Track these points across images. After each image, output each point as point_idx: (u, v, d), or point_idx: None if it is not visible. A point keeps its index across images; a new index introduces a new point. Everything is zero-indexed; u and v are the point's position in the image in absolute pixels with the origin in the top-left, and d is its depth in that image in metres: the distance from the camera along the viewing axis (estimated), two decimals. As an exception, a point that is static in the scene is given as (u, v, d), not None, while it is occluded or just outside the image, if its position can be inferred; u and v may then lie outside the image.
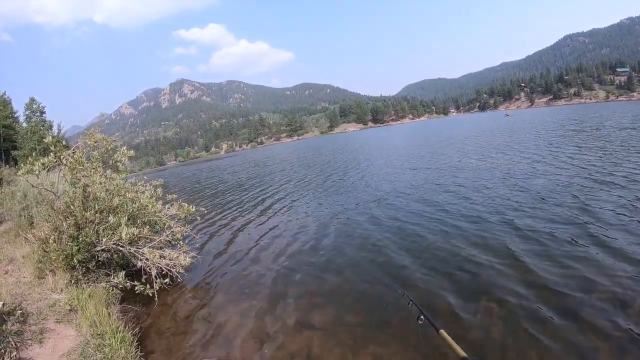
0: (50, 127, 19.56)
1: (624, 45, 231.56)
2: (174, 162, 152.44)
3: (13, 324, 3.68)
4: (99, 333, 4.01)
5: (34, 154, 7.17)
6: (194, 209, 7.99)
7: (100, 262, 6.17)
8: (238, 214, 13.09)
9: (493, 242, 6.79)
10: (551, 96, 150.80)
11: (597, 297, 4.54)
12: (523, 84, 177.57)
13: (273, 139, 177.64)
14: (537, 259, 5.82)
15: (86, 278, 5.58)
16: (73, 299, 4.63)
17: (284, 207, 13.10)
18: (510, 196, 9.71)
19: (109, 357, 3.70)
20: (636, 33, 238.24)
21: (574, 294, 4.69)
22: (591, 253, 5.74)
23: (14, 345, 3.34)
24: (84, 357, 3.64)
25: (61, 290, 4.83)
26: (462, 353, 2.24)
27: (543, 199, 9.01)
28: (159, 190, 8.11)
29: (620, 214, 7.27)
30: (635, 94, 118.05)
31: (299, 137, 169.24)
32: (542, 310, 4.41)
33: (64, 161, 5.77)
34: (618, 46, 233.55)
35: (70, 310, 4.46)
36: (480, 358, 1.95)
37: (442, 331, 2.68)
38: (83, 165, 6.02)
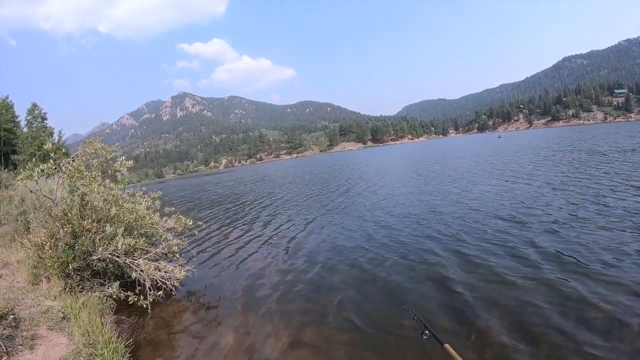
0: (51, 133, 19.63)
1: (622, 66, 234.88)
2: (173, 175, 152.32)
3: (5, 329, 3.64)
4: (91, 342, 3.98)
5: (33, 159, 7.14)
6: (191, 223, 7.99)
7: (95, 271, 6.14)
8: (236, 228, 13.05)
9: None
10: (549, 118, 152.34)
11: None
12: (522, 106, 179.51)
13: (272, 155, 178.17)
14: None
15: (80, 286, 5.54)
16: (66, 306, 4.59)
17: (281, 223, 13.08)
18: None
19: (100, 366, 3.67)
20: (634, 55, 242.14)
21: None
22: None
23: (4, 350, 3.31)
24: (74, 365, 3.60)
25: (55, 298, 4.80)
26: None
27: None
28: (157, 202, 8.12)
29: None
30: (632, 115, 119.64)
31: (298, 155, 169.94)
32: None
33: (63, 168, 5.81)
34: (616, 68, 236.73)
35: (63, 317, 4.42)
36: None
37: (446, 345, 2.69)
38: (82, 174, 6.06)
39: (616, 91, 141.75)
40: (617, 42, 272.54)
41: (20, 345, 3.61)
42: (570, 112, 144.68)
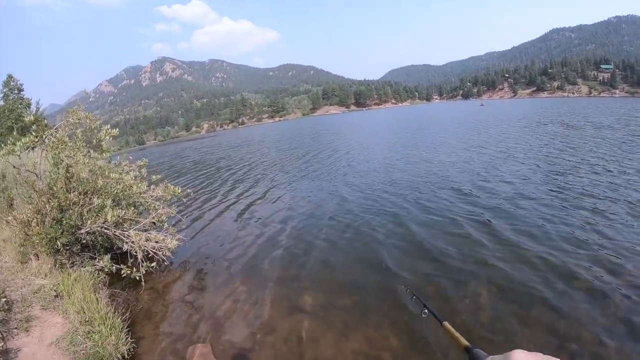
0: (29, 105, 18.61)
1: (610, 42, 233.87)
2: (154, 141, 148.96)
3: (-2, 313, 3.51)
4: (87, 320, 3.89)
5: (14, 132, 6.70)
6: (180, 191, 7.81)
7: (84, 245, 5.97)
8: (223, 195, 12.93)
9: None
10: (534, 88, 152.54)
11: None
12: (507, 75, 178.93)
13: (255, 119, 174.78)
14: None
15: (70, 262, 5.38)
16: (58, 284, 4.46)
17: (269, 187, 13.06)
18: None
19: (99, 344, 3.60)
20: (622, 32, 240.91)
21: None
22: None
23: (0, 336, 3.18)
24: (73, 345, 3.52)
25: (45, 275, 4.64)
26: (465, 342, 2.19)
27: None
28: (144, 170, 7.86)
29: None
30: (617, 91, 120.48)
31: (281, 119, 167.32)
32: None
33: (46, 140, 5.48)
34: (604, 43, 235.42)
35: (55, 296, 4.30)
36: (483, 347, 1.89)
37: (445, 323, 2.64)
38: (66, 145, 5.74)
39: (602, 66, 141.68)
40: (606, 18, 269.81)
41: (15, 328, 3.49)
42: (556, 84, 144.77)
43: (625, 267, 5.05)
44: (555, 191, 8.89)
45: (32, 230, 4.99)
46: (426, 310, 2.91)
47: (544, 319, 4.13)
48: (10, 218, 5.21)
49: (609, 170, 10.42)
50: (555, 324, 4.02)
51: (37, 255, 5.02)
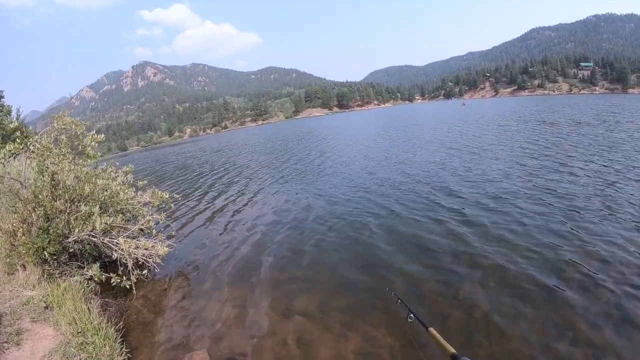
0: (9, 112, 18.02)
1: (589, 41, 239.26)
2: (137, 147, 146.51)
3: (-14, 327, 3.37)
4: (79, 331, 3.78)
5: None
6: (167, 196, 7.70)
7: (71, 254, 5.82)
8: (211, 200, 12.79)
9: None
10: (515, 87, 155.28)
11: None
12: (488, 74, 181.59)
13: (238, 123, 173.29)
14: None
15: (58, 272, 5.24)
16: (48, 295, 4.33)
17: (256, 192, 13.00)
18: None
19: (94, 355, 3.50)
20: (601, 30, 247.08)
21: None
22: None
23: (-10, 350, 3.06)
24: (66, 357, 3.42)
25: (34, 287, 4.49)
26: (452, 350, 2.21)
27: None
28: (130, 176, 7.72)
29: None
30: (597, 88, 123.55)
31: (264, 122, 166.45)
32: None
33: (31, 147, 5.32)
34: (583, 42, 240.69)
35: (45, 307, 4.17)
36: (470, 355, 1.91)
37: (431, 329, 2.67)
38: (51, 152, 5.59)
39: (582, 64, 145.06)
40: (585, 17, 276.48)
41: (6, 342, 3.37)
42: (536, 82, 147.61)
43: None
44: (536, 188, 9.10)
45: (18, 240, 4.84)
46: (412, 315, 2.92)
47: (535, 324, 4.11)
48: (-6, 228, 5.03)
49: (590, 166, 10.73)
50: (545, 329, 4.03)
51: (24, 266, 4.86)
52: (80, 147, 6.55)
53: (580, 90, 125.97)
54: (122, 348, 3.86)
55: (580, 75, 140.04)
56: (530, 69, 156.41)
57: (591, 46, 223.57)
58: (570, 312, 4.19)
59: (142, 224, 6.66)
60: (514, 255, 5.66)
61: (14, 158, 5.82)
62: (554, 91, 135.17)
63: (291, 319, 4.77)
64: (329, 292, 5.35)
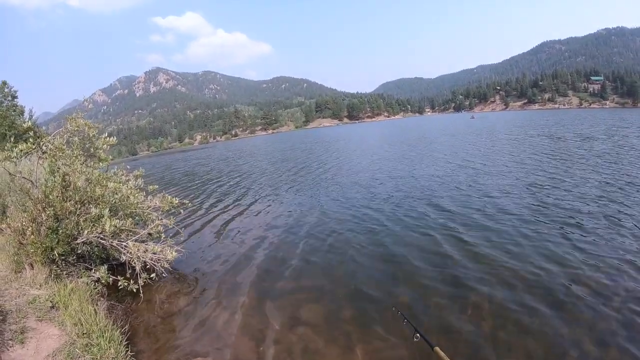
0: (22, 112, 18.30)
1: (599, 54, 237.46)
2: (147, 152, 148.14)
3: (-9, 324, 3.36)
4: (85, 332, 3.73)
5: (11, 139, 6.55)
6: (177, 201, 7.68)
7: (79, 256, 5.82)
8: (222, 206, 12.78)
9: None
10: (526, 100, 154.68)
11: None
12: (498, 87, 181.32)
13: (248, 131, 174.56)
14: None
15: (65, 272, 5.23)
16: (54, 295, 4.29)
17: (268, 200, 12.92)
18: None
19: (98, 357, 3.45)
20: (612, 44, 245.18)
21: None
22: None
23: (-6, 347, 3.03)
24: (71, 357, 3.36)
25: (40, 286, 4.47)
26: None
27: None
28: (140, 180, 7.74)
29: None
30: (607, 102, 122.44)
31: (274, 131, 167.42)
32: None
33: (44, 147, 5.37)
34: (593, 55, 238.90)
35: (51, 307, 4.13)
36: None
37: (436, 348, 2.63)
38: (63, 153, 5.63)
39: (592, 78, 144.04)
40: (595, 31, 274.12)
41: (10, 340, 3.33)
42: (547, 95, 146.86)
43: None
44: (536, 205, 8.87)
45: (26, 239, 4.84)
46: (418, 335, 2.88)
47: (540, 344, 3.95)
48: (4, 226, 5.06)
49: (594, 182, 10.56)
50: (551, 347, 3.90)
51: (31, 264, 4.85)
52: (92, 149, 6.60)
53: (590, 104, 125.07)
54: (127, 351, 3.79)
55: (591, 89, 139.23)
56: (541, 83, 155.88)
57: (601, 60, 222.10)
58: (578, 330, 4.04)
59: (151, 228, 6.66)
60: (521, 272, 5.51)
61: (26, 157, 5.86)
62: (564, 105, 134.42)
63: (297, 329, 4.67)
64: (336, 304, 5.24)
